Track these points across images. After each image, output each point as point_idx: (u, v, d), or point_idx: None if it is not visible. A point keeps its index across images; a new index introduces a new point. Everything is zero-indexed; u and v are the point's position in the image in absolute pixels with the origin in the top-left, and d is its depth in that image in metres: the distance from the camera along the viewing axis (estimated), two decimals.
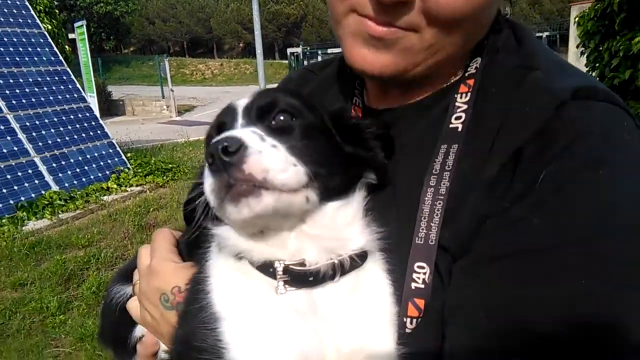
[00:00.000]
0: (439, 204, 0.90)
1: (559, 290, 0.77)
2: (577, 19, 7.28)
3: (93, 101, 12.80)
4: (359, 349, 0.91)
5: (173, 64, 45.09)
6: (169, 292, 1.08)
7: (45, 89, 10.31)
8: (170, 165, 11.56)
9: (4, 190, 8.50)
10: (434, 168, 0.93)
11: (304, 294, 0.91)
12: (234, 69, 51.74)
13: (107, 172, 10.30)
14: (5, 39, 10.15)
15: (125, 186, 10.14)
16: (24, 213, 8.33)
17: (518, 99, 0.90)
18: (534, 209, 0.81)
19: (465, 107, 0.97)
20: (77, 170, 9.83)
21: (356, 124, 1.00)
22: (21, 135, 9.32)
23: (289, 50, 35.16)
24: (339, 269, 0.92)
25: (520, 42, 1.01)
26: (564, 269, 0.77)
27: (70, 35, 16.84)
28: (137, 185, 10.30)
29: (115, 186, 9.95)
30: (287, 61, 42.30)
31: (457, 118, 0.96)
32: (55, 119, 10.13)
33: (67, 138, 10.07)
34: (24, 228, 8.01)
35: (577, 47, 7.29)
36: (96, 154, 10.40)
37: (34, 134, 9.54)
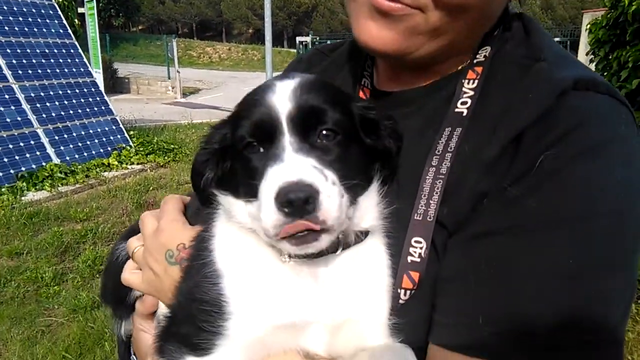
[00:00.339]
0: (439, 182, 0.94)
1: (547, 266, 0.81)
2: (588, 26, 7.26)
3: (99, 77, 12.79)
4: (352, 318, 0.96)
5: (181, 45, 44.90)
6: (174, 248, 1.12)
7: (52, 61, 10.30)
8: (172, 146, 11.59)
9: (5, 160, 8.52)
10: (437, 149, 0.98)
11: (306, 264, 0.95)
12: (242, 54, 51.52)
13: (109, 149, 10.31)
14: (15, 9, 10.12)
15: (126, 164, 10.16)
16: (24, 183, 8.36)
17: (522, 86, 0.94)
18: (529, 191, 0.85)
19: (471, 93, 1.01)
20: (79, 144, 9.84)
21: (376, 119, 1.00)
22: (25, 106, 9.32)
23: (298, 39, 35.02)
24: (343, 244, 0.95)
25: (528, 34, 1.05)
26: (553, 247, 0.82)
27: (80, 10, 16.73)
28: (138, 164, 10.32)
29: (116, 163, 9.97)
30: (295, 50, 42.12)
31: (463, 103, 1.00)
32: (60, 92, 10.12)
33: (71, 112, 10.07)
34: (23, 198, 8.05)
35: (587, 54, 7.27)
36: (99, 130, 10.41)
37: (38, 105, 9.54)
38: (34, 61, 9.93)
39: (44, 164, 8.97)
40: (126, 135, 10.90)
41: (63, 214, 7.58)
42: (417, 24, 0.95)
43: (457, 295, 0.89)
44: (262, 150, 0.89)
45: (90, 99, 10.67)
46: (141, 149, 10.87)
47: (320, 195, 0.79)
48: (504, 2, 1.04)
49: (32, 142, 9.09)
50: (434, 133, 1.00)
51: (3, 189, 8.08)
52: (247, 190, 0.91)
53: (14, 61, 9.57)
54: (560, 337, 0.79)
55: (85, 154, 9.82)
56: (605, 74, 6.52)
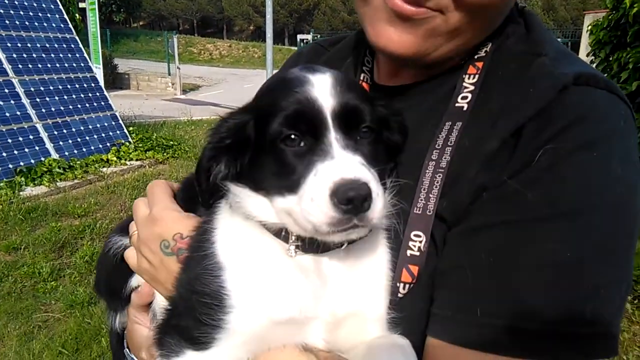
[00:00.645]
0: (439, 176, 0.95)
1: (544, 259, 0.82)
2: (590, 27, 7.26)
3: (99, 72, 12.76)
4: (352, 313, 0.96)
5: (182, 41, 44.86)
6: (170, 239, 1.10)
7: (52, 55, 10.27)
8: (172, 143, 11.57)
9: (4, 154, 8.50)
10: (437, 143, 0.98)
11: (310, 258, 0.95)
12: (242, 51, 51.46)
13: (108, 144, 10.29)
14: (16, 3, 10.08)
15: (125, 160, 10.14)
16: (22, 178, 8.34)
17: (523, 81, 0.95)
18: (528, 184, 0.86)
19: (472, 87, 1.01)
20: (78, 139, 9.82)
21: (387, 115, 1.00)
22: (25, 100, 9.30)
23: (299, 37, 35.01)
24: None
25: (529, 30, 1.05)
26: (551, 240, 0.83)
27: (81, 5, 16.68)
28: (137, 160, 10.31)
29: (115, 159, 9.95)
30: (296, 47, 42.07)
31: (464, 98, 1.01)
32: (60, 87, 10.10)
33: (70, 107, 10.05)
34: (21, 193, 8.02)
35: (588, 55, 7.28)
36: (98, 125, 10.39)
37: (37, 99, 9.51)
38: (34, 55, 9.90)
39: (42, 159, 8.95)
40: (125, 131, 10.88)
41: (61, 210, 7.57)
42: (437, 25, 0.96)
43: (455, 288, 0.90)
44: (302, 144, 0.87)
45: (90, 94, 10.64)
46: (140, 145, 10.85)
47: (373, 197, 0.80)
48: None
49: (31, 137, 9.07)
50: (434, 127, 1.01)
51: (1, 184, 8.05)
52: (281, 184, 0.88)
53: (14, 55, 9.53)
54: (556, 330, 0.80)
55: (84, 149, 9.81)
56: (605, 75, 6.52)
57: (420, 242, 0.95)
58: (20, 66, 9.53)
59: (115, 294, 1.33)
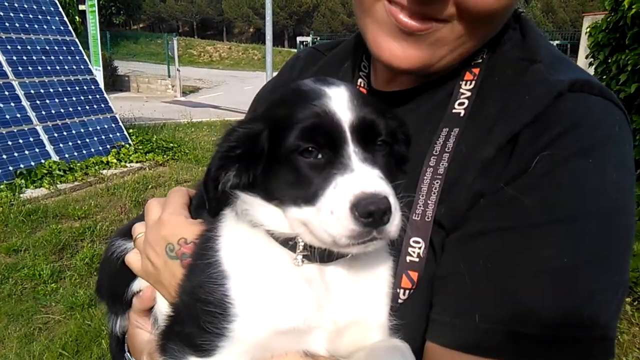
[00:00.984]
0: (437, 182, 0.96)
1: (540, 264, 0.83)
2: (588, 29, 7.27)
3: (99, 75, 12.78)
4: (354, 321, 0.97)
5: (181, 43, 44.90)
6: (175, 243, 1.11)
7: (52, 57, 10.29)
8: (172, 145, 11.58)
9: (4, 156, 8.50)
10: (435, 149, 0.99)
11: (315, 267, 0.95)
12: (242, 53, 51.51)
13: (108, 147, 10.30)
14: (16, 5, 10.10)
15: (125, 162, 10.15)
16: (23, 180, 8.34)
17: (519, 88, 0.96)
18: (525, 190, 0.87)
19: (468, 94, 1.02)
20: (78, 141, 9.83)
21: (395, 127, 1.00)
22: (25, 103, 9.31)
23: (299, 39, 35.06)
24: None
25: (525, 36, 1.06)
26: (547, 246, 0.84)
27: (81, 7, 16.72)
28: (136, 162, 10.31)
29: (115, 161, 9.96)
30: (296, 50, 42.11)
31: (460, 104, 1.02)
32: (60, 89, 10.11)
33: (70, 109, 10.06)
34: (21, 195, 8.03)
35: (587, 57, 7.29)
36: (98, 127, 10.40)
37: (37, 102, 9.52)
38: (34, 58, 9.91)
39: (42, 161, 8.96)
40: (125, 133, 10.89)
41: (61, 212, 7.57)
42: (443, 36, 0.97)
43: (454, 294, 0.91)
44: (320, 157, 0.87)
45: (90, 97, 10.65)
46: (140, 147, 10.86)
47: (392, 211, 0.81)
48: (515, 6, 1.05)
49: (31, 139, 9.08)
50: (431, 133, 1.01)
51: (1, 186, 8.06)
52: (297, 195, 0.88)
53: (14, 57, 9.54)
54: (553, 334, 0.81)
55: (84, 151, 9.82)
56: (604, 77, 6.54)
57: (420, 248, 0.95)
58: (20, 68, 9.54)
59: (117, 298, 1.33)
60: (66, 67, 10.46)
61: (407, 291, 0.96)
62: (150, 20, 77.66)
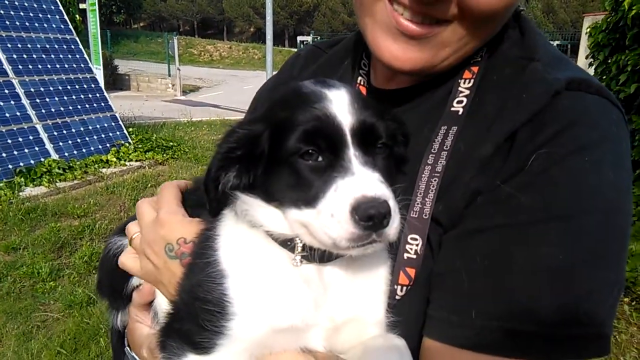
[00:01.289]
0: (435, 180, 0.96)
1: (537, 262, 0.83)
2: (588, 29, 7.26)
3: (99, 73, 12.78)
4: (351, 319, 0.97)
5: (182, 42, 44.88)
6: (174, 242, 1.11)
7: (52, 56, 10.28)
8: (171, 144, 11.58)
9: (4, 155, 8.50)
10: (433, 147, 0.99)
11: (313, 267, 0.96)
12: (243, 53, 51.49)
13: (108, 145, 10.30)
14: (17, 3, 10.10)
15: (125, 160, 10.15)
16: (22, 179, 8.34)
17: (517, 86, 0.96)
18: (522, 188, 0.87)
19: (467, 92, 1.02)
20: (78, 140, 9.83)
21: (395, 128, 1.00)
22: (25, 101, 9.31)
23: (299, 38, 35.04)
24: None
25: (524, 35, 1.06)
26: (543, 244, 0.84)
27: (81, 6, 16.70)
28: (136, 161, 10.31)
29: (114, 159, 9.96)
30: (296, 49, 42.11)
31: (459, 102, 1.02)
32: (60, 87, 10.11)
33: (70, 107, 10.06)
34: (20, 194, 8.03)
35: (587, 58, 7.29)
36: (98, 126, 10.40)
37: (37, 100, 9.53)
38: (34, 56, 9.91)
39: (42, 159, 8.96)
40: (125, 132, 10.89)
41: (60, 210, 7.57)
42: (445, 37, 0.97)
43: (451, 290, 0.91)
44: (320, 159, 0.88)
45: (90, 95, 10.65)
46: (140, 146, 10.86)
47: (392, 215, 0.81)
48: (516, 5, 1.05)
49: (30, 137, 9.07)
50: (430, 131, 1.02)
51: (1, 184, 8.06)
52: (298, 197, 0.89)
53: (15, 56, 9.54)
54: (549, 331, 0.81)
55: (84, 150, 9.82)
56: (604, 77, 6.53)
57: (417, 245, 0.96)
58: (20, 67, 9.54)
59: (117, 293, 1.34)
60: (66, 66, 10.46)
61: (405, 288, 0.97)
62: (151, 19, 77.65)
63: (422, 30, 0.95)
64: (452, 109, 1.02)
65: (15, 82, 9.32)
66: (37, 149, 9.06)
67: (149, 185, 8.99)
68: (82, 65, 10.86)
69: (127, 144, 10.60)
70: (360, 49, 1.28)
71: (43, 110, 9.53)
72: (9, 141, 8.70)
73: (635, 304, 4.74)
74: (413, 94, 1.12)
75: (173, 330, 1.01)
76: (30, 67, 9.74)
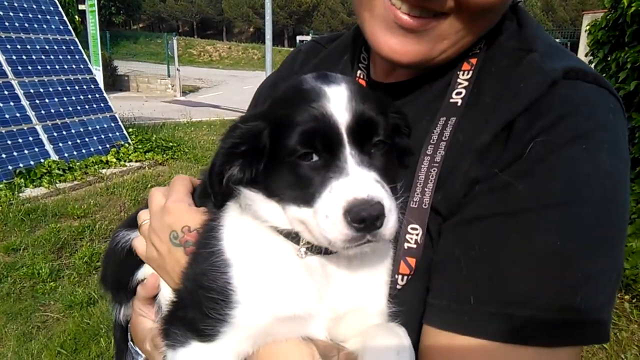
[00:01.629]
0: (434, 171, 0.97)
1: (534, 248, 0.84)
2: (588, 27, 7.26)
3: (98, 74, 12.78)
4: (353, 309, 0.99)
5: (181, 43, 44.92)
6: (179, 230, 1.14)
7: (52, 57, 10.28)
8: (171, 144, 11.58)
9: (3, 156, 8.49)
10: (432, 138, 1.00)
11: (317, 258, 0.97)
12: (242, 53, 51.53)
13: (107, 146, 10.30)
14: (16, 4, 10.10)
15: (125, 161, 10.15)
16: (22, 180, 8.34)
17: (515, 77, 0.96)
18: (519, 176, 0.88)
19: (466, 83, 1.03)
20: (78, 141, 9.83)
21: (398, 121, 1.01)
22: (24, 102, 9.31)
23: (299, 38, 35.02)
24: None
25: (521, 26, 1.07)
26: (541, 230, 0.85)
27: (81, 7, 16.71)
28: (136, 161, 10.31)
29: (114, 160, 9.96)
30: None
31: (458, 93, 1.03)
32: (60, 88, 10.11)
33: (70, 108, 10.06)
34: (20, 195, 8.03)
35: (586, 55, 7.28)
36: (98, 127, 10.39)
37: (37, 101, 9.52)
38: (33, 57, 9.90)
39: (42, 160, 8.96)
40: (125, 132, 10.89)
41: (60, 211, 7.56)
42: (443, 31, 0.97)
43: (450, 278, 0.92)
44: (317, 159, 0.88)
45: (90, 96, 10.65)
46: (140, 146, 10.86)
47: (387, 216, 0.82)
48: None
49: (30, 139, 9.07)
50: (429, 123, 1.03)
51: (0, 185, 8.05)
52: (296, 195, 0.90)
53: (14, 57, 9.54)
54: (547, 317, 0.82)
55: (84, 150, 9.81)
56: (604, 75, 6.52)
57: (417, 235, 0.96)
58: (19, 68, 9.54)
59: (121, 287, 1.36)
60: (65, 67, 10.46)
61: (406, 277, 0.98)
62: (150, 20, 77.67)
63: (419, 23, 0.96)
64: (451, 100, 1.03)
65: (14, 83, 9.31)
66: (36, 150, 9.05)
67: (149, 185, 8.99)
68: (82, 66, 10.86)
69: (127, 145, 10.59)
70: (359, 43, 1.29)
71: (43, 111, 9.53)
72: (9, 142, 8.70)
73: (635, 302, 4.73)
74: (412, 86, 1.13)
75: (177, 318, 1.02)
76: (30, 68, 9.74)
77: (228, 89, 28.54)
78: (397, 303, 0.98)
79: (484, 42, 1.07)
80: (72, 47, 10.86)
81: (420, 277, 0.97)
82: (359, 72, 1.26)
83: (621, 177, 0.89)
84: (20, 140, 8.88)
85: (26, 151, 8.88)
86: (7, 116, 8.88)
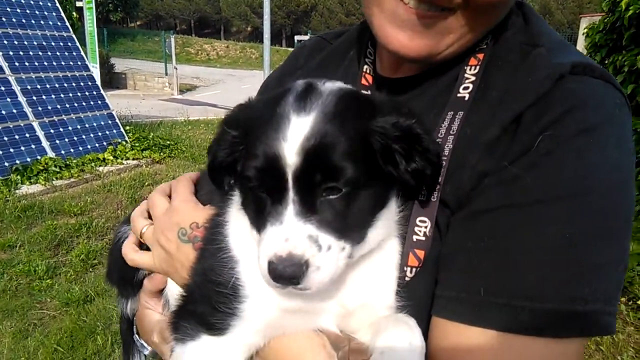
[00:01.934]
0: (442, 163, 0.97)
1: (543, 240, 0.85)
2: (586, 30, 7.30)
3: (95, 72, 12.73)
4: (362, 306, 0.99)
5: (179, 41, 44.79)
6: (187, 227, 1.15)
7: (49, 53, 10.25)
8: (168, 142, 11.56)
9: (0, 152, 8.46)
10: (440, 132, 1.01)
11: None
12: (240, 52, 51.45)
13: (105, 143, 10.27)
14: (14, 0, 10.06)
15: (122, 159, 10.12)
16: (18, 176, 8.31)
17: (522, 71, 0.98)
18: (528, 169, 0.89)
19: (473, 78, 1.05)
20: (75, 138, 9.80)
21: (399, 143, 0.89)
22: (21, 98, 9.27)
23: (297, 38, 34.97)
24: None
25: (527, 22, 1.09)
26: (549, 222, 0.86)
27: (78, 4, 16.64)
28: (133, 159, 10.29)
29: (111, 158, 9.93)
30: (293, 48, 42.09)
31: (465, 88, 1.04)
32: (57, 85, 10.07)
33: (67, 105, 10.03)
34: (17, 191, 8.00)
35: None
36: (95, 124, 10.36)
37: (34, 97, 9.48)
38: (31, 53, 9.87)
39: (38, 157, 8.92)
40: (122, 130, 10.86)
41: (57, 208, 7.54)
42: (449, 25, 0.99)
43: (459, 270, 0.92)
44: (266, 194, 0.87)
45: (87, 93, 10.62)
46: (137, 144, 10.83)
47: (310, 268, 0.81)
48: None
49: (27, 135, 9.04)
50: (436, 117, 1.04)
51: None
52: (251, 218, 0.93)
53: (11, 53, 9.51)
54: (555, 307, 0.83)
55: (81, 148, 9.78)
56: None
57: (426, 227, 0.97)
58: (17, 64, 9.50)
59: (127, 281, 1.37)
60: (63, 63, 10.42)
61: (414, 269, 0.99)
62: (148, 17, 77.48)
63: (427, 17, 0.98)
64: (459, 94, 1.04)
65: (11, 79, 9.28)
66: (33, 146, 9.02)
67: (146, 183, 8.97)
68: (79, 63, 10.82)
69: (124, 142, 10.57)
70: (366, 38, 1.30)
71: (40, 108, 9.49)
72: (5, 139, 8.66)
73: (632, 304, 4.76)
74: (419, 81, 1.14)
75: (187, 312, 1.03)
76: (27, 64, 9.70)
77: (226, 88, 28.49)
78: (405, 296, 0.99)
79: (490, 37, 1.08)
80: (69, 44, 10.82)
81: (428, 269, 0.98)
82: (365, 67, 1.27)
83: (628, 170, 0.91)
84: (16, 137, 8.85)
85: (23, 148, 8.85)
86: (3, 112, 8.84)
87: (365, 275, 0.99)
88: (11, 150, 8.65)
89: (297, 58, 1.50)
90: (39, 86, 9.70)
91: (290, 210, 0.84)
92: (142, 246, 1.30)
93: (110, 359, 4.29)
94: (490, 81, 1.03)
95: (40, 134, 9.25)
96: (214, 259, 1.00)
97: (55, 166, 8.88)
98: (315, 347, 0.93)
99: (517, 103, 0.94)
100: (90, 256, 6.05)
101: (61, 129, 9.66)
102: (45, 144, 9.22)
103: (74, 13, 16.08)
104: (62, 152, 9.38)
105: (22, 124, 9.06)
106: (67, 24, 11.08)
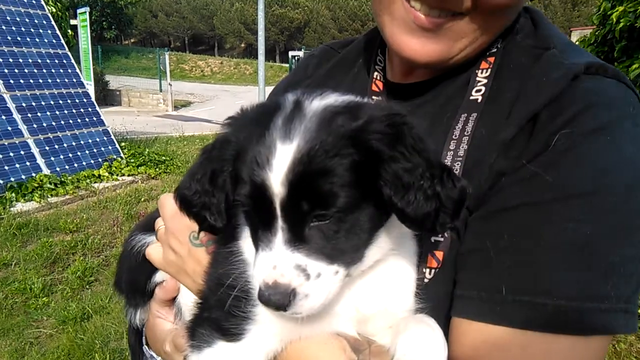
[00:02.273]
0: (457, 165, 0.99)
1: (562, 237, 0.86)
2: (577, 43, 7.40)
3: (90, 89, 12.74)
4: (376, 310, 0.98)
5: (173, 58, 44.97)
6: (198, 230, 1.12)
7: (44, 70, 10.25)
8: (164, 158, 11.54)
9: None
10: (454, 134, 1.03)
11: None
12: (234, 68, 51.70)
13: (100, 160, 10.24)
14: (9, 18, 10.09)
15: (117, 175, 10.09)
16: (13, 194, 8.25)
17: (535, 72, 1.00)
18: (546, 167, 0.90)
19: (485, 81, 1.06)
20: (70, 155, 9.76)
21: (396, 165, 0.83)
22: (16, 116, 9.25)
23: (291, 53, 35.17)
24: None
25: (536, 26, 1.11)
26: (568, 220, 0.86)
27: (72, 22, 16.71)
28: (128, 175, 10.25)
29: (106, 174, 9.90)
30: (287, 64, 42.36)
31: (477, 91, 1.06)
32: (52, 102, 10.06)
33: (62, 122, 10.01)
34: (12, 209, 7.94)
35: None
36: (90, 141, 10.34)
37: (29, 115, 9.46)
38: (25, 71, 9.88)
39: (33, 174, 8.87)
40: (117, 146, 10.83)
41: (52, 225, 7.48)
42: (460, 29, 1.01)
43: (479, 269, 0.92)
44: (257, 217, 0.87)
45: (82, 110, 10.61)
46: (132, 160, 10.81)
47: (297, 296, 0.82)
48: None
49: (22, 152, 9.00)
50: (450, 119, 1.05)
51: None
52: (252, 237, 0.93)
53: (6, 70, 9.51)
54: (576, 305, 0.82)
55: (76, 164, 9.74)
56: None
57: None
58: (11, 81, 9.50)
59: (137, 290, 1.35)
60: (58, 80, 10.43)
61: (433, 270, 0.99)
62: (142, 35, 77.85)
63: (437, 22, 0.99)
64: (471, 97, 1.05)
65: (6, 96, 9.26)
66: (28, 164, 8.98)
67: (142, 199, 8.93)
68: (74, 80, 10.83)
69: (119, 159, 10.54)
70: (375, 46, 1.32)
71: (34, 125, 9.47)
72: (0, 156, 8.62)
73: None
74: (431, 86, 1.15)
75: (202, 319, 1.02)
76: (22, 81, 9.70)
77: (220, 103, 28.54)
78: (424, 297, 0.99)
79: (501, 41, 1.10)
80: (64, 61, 10.84)
81: (447, 270, 0.98)
82: (375, 73, 1.28)
83: None
84: (11, 154, 8.81)
85: (17, 165, 8.80)
86: None
87: (382, 279, 0.98)
88: (6, 167, 8.60)
89: (305, 67, 1.51)
90: (33, 103, 9.68)
91: (279, 238, 0.83)
92: None
93: None
94: (502, 83, 1.04)
95: (35, 151, 9.21)
96: (227, 263, 0.99)
97: (50, 183, 8.83)
98: (336, 350, 0.92)
99: (533, 103, 0.95)
100: (87, 273, 5.99)
101: (56, 146, 9.63)
102: (40, 161, 9.18)
103: (69, 30, 16.13)
104: (57, 169, 9.33)
105: (17, 142, 9.02)
106: (62, 41, 11.12)
